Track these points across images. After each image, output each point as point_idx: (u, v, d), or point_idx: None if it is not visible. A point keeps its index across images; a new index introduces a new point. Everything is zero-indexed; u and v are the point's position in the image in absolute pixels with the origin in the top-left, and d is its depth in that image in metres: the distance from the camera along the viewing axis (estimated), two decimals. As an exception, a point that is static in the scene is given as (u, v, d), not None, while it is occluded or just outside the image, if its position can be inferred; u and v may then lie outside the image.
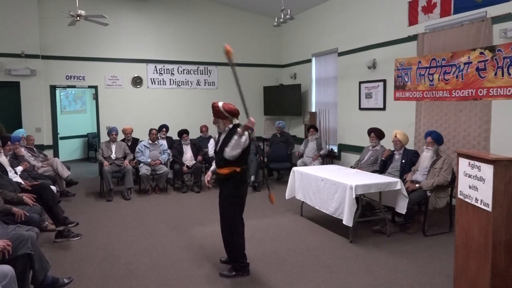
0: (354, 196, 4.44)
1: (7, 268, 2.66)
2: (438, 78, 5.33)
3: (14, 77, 8.04)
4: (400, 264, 3.99)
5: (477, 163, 2.83)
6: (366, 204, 5.14)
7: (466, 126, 5.47)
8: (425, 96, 5.59)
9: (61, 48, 8.55)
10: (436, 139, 4.95)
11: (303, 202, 5.59)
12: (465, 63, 4.96)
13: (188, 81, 9.75)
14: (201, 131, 8.43)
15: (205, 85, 9.90)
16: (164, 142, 7.73)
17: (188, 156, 7.58)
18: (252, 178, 7.36)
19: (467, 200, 2.95)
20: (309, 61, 9.27)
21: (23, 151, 6.25)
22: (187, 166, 7.41)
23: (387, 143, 5.89)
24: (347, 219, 4.48)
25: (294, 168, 5.82)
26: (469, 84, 4.94)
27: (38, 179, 5.58)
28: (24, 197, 4.19)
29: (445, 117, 5.77)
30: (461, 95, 5.08)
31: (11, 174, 4.97)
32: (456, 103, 5.52)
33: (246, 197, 3.78)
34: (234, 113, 3.67)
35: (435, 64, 5.38)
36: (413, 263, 4.00)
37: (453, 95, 5.18)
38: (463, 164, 2.99)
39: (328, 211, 4.88)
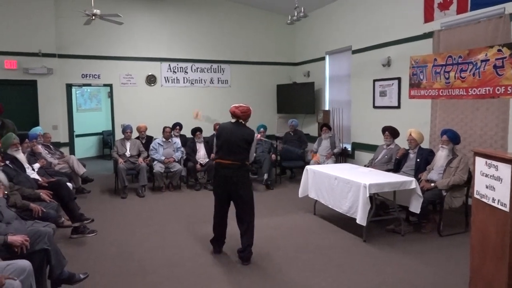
0: (367, 195, 4.40)
1: (25, 263, 2.72)
2: (454, 76, 5.24)
3: (31, 75, 8.19)
4: (414, 264, 3.95)
5: (494, 162, 2.78)
6: (380, 203, 5.10)
7: (483, 125, 5.38)
8: (441, 94, 5.51)
9: (77, 47, 8.67)
10: (452, 137, 4.88)
11: (316, 200, 5.57)
12: (482, 61, 4.87)
13: (201, 80, 9.78)
14: (214, 129, 8.45)
15: (218, 83, 9.92)
16: (177, 140, 7.78)
17: (201, 154, 7.62)
18: (265, 176, 7.36)
19: (483, 200, 2.90)
20: (323, 59, 9.21)
21: (40, 148, 6.37)
22: (201, 164, 7.44)
23: (402, 142, 5.83)
24: (361, 218, 4.45)
25: (307, 167, 5.81)
26: (486, 82, 4.85)
27: (54, 176, 5.66)
28: (41, 193, 4.27)
29: (461, 115, 5.68)
30: (478, 93, 4.99)
31: (28, 171, 5.07)
32: (473, 101, 5.43)
33: (218, 190, 4.13)
34: (232, 114, 4.09)
35: (451, 62, 5.29)
36: (428, 263, 3.96)
37: (469, 93, 5.09)
38: (480, 164, 2.94)
39: (342, 210, 4.85)
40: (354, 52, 8.04)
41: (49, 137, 7.19)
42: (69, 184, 5.44)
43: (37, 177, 5.03)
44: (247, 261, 4.00)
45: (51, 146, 7.10)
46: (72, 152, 8.63)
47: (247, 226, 4.03)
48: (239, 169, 3.98)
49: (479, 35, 5.30)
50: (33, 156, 5.89)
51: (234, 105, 4.12)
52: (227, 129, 4.07)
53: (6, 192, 3.66)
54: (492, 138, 5.25)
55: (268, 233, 4.86)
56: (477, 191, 2.98)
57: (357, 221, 4.50)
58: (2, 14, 7.95)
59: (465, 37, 5.50)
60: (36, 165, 5.61)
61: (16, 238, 2.85)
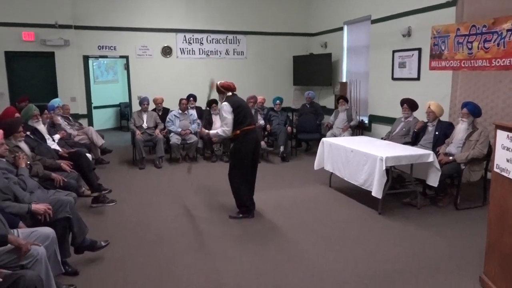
0: (384, 168, 4.38)
1: (48, 230, 2.81)
2: (478, 46, 5.06)
3: (49, 47, 8.23)
4: (429, 236, 3.95)
5: (516, 135, 2.71)
6: (396, 176, 5.07)
7: (506, 97, 5.22)
8: (463, 65, 5.34)
9: (93, 18, 8.62)
10: (472, 111, 4.76)
11: (331, 173, 5.57)
12: (507, 30, 4.67)
13: (217, 51, 9.69)
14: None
15: (234, 54, 9.81)
16: (194, 112, 7.81)
17: (217, 126, 7.60)
18: (281, 149, 7.37)
19: (503, 173, 2.85)
20: (341, 29, 8.98)
21: (59, 119, 6.47)
22: (217, 136, 7.47)
23: (421, 115, 5.72)
24: (376, 191, 4.45)
25: (324, 139, 5.78)
26: (511, 53, 4.67)
27: (74, 147, 5.77)
28: (61, 163, 4.37)
29: (483, 87, 5.52)
30: (502, 64, 4.82)
31: (49, 141, 5.17)
32: (496, 73, 5.25)
33: (249, 154, 4.35)
34: (228, 87, 4.49)
35: (474, 32, 5.10)
36: (443, 236, 3.96)
37: (493, 64, 4.92)
38: (501, 137, 2.87)
39: (357, 183, 4.85)
40: (373, 22, 7.81)
41: (68, 109, 7.29)
42: (88, 155, 5.55)
43: (57, 147, 5.14)
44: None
45: (70, 118, 7.21)
46: (90, 123, 8.75)
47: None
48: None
49: (506, 3, 5.05)
50: (53, 127, 6.00)
51: (222, 81, 4.53)
52: (240, 101, 4.48)
53: (28, 162, 3.75)
54: (515, 111, 5.11)
55: (284, 205, 4.91)
56: (497, 164, 2.93)
57: (373, 194, 4.50)
58: (18, -15, 7.94)
59: (490, 5, 5.26)
60: (57, 136, 5.72)
61: (39, 207, 2.94)
